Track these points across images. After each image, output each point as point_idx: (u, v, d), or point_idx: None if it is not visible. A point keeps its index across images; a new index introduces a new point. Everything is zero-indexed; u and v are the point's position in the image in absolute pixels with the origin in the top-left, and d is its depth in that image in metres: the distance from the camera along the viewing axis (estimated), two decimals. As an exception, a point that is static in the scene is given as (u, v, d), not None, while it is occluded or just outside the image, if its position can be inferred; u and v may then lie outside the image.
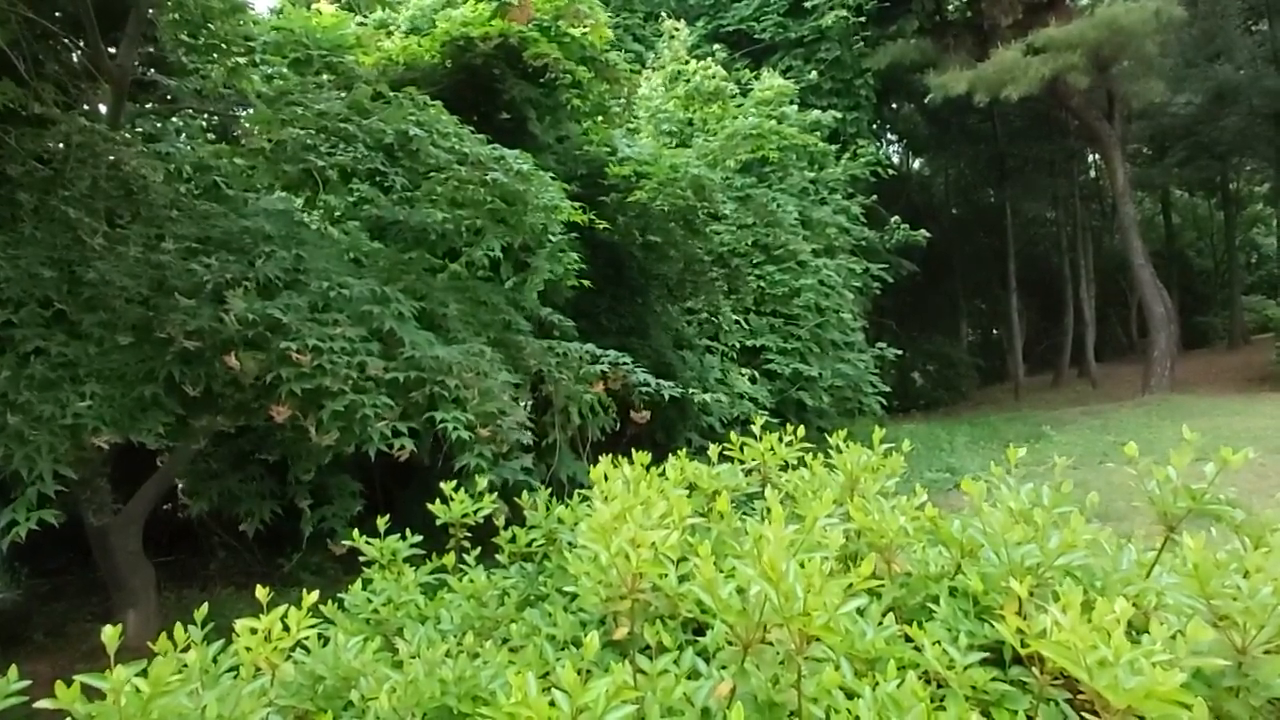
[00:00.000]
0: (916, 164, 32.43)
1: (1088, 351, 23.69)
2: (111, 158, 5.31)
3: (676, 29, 15.03)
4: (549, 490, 2.76)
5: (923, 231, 17.16)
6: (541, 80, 8.59)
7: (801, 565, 1.41)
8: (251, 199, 6.70)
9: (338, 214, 7.69)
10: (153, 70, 6.47)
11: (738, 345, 11.96)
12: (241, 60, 6.16)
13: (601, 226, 8.37)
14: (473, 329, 6.39)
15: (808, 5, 18.29)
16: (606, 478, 2.06)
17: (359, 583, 2.35)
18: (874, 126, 21.80)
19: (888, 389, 13.90)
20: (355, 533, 2.54)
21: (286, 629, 1.65)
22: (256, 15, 6.81)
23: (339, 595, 2.29)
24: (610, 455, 2.41)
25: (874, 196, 16.85)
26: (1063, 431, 14.39)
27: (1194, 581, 1.52)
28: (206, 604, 1.82)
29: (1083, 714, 1.37)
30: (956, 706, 1.41)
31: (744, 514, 2.30)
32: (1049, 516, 1.83)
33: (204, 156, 6.67)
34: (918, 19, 20.87)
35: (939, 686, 1.52)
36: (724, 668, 1.54)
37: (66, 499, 5.07)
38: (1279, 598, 1.43)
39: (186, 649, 1.59)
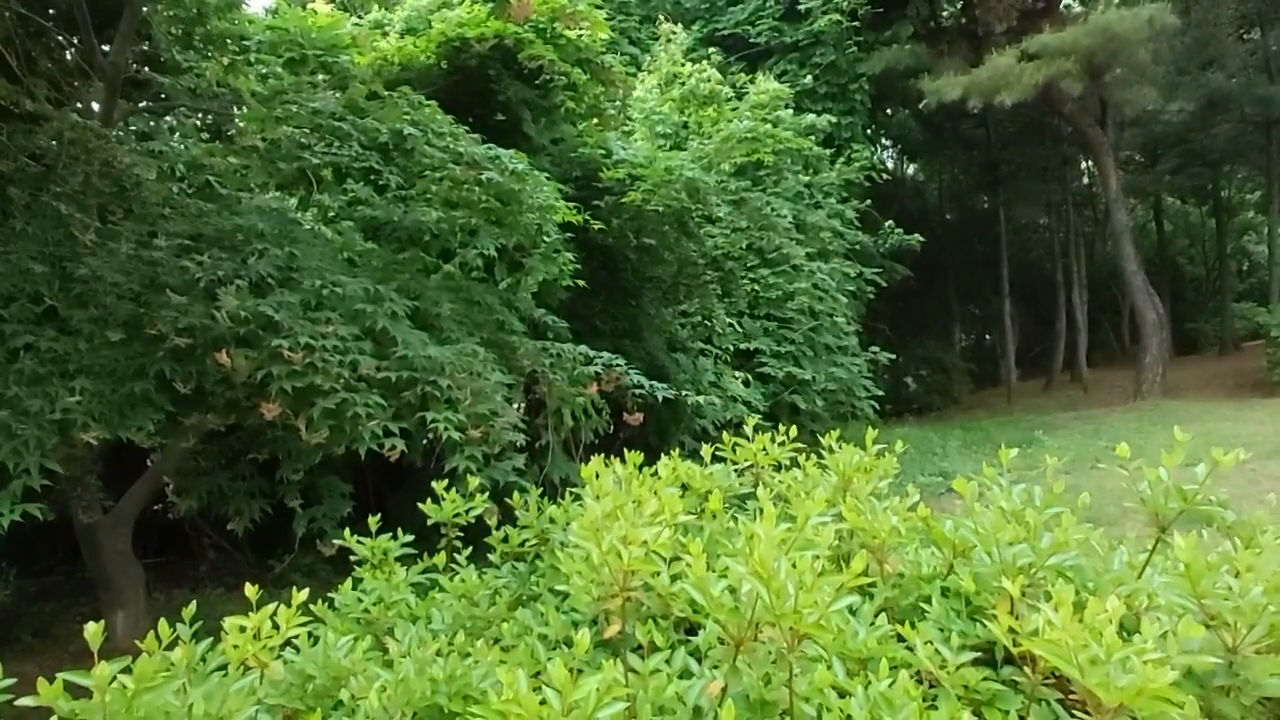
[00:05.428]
0: (910, 169, 32.54)
1: (1080, 357, 23.77)
2: (104, 155, 5.27)
3: (673, 32, 15.06)
4: (541, 492, 2.75)
5: (916, 236, 17.24)
6: (537, 82, 8.57)
7: (793, 564, 1.41)
8: (245, 198, 6.66)
9: (332, 214, 7.66)
10: (146, 68, 6.43)
11: (731, 348, 11.97)
12: (237, 58, 6.14)
13: (596, 228, 8.35)
14: (466, 329, 6.36)
15: (802, 9, 18.33)
16: (598, 476, 2.05)
17: (349, 582, 2.34)
18: (868, 131, 21.82)
19: (881, 393, 13.93)
20: (346, 532, 2.53)
21: (276, 627, 1.63)
22: (252, 15, 6.78)
23: (329, 595, 2.27)
24: (603, 457, 2.40)
25: (868, 201, 16.88)
26: (1055, 436, 14.44)
27: (1185, 581, 1.52)
28: (195, 602, 1.80)
29: (1074, 713, 1.37)
30: (948, 706, 1.40)
31: (735, 514, 2.30)
32: (1041, 517, 1.83)
33: (197, 155, 6.64)
34: (912, 24, 20.92)
35: (931, 686, 1.52)
36: (716, 666, 1.53)
37: (56, 497, 5.04)
38: (1269, 598, 1.43)
39: (173, 646, 1.57)
